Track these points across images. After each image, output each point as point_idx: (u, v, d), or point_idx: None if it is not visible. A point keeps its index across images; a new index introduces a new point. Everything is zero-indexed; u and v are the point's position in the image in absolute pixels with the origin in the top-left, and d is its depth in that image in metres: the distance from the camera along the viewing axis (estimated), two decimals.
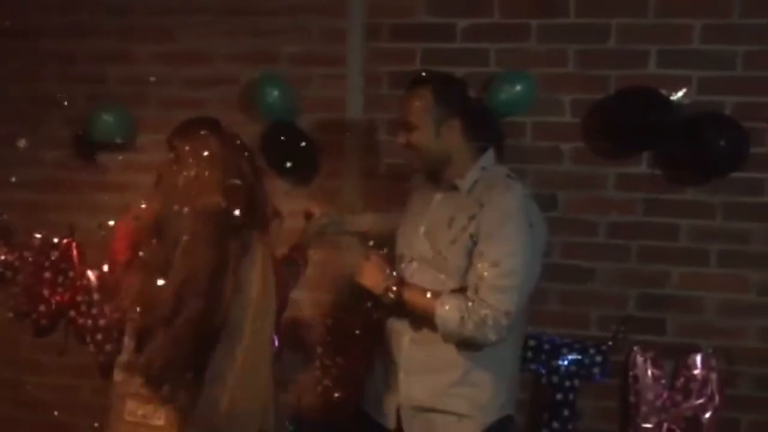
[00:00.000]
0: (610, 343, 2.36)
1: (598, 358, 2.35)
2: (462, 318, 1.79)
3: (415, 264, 1.96)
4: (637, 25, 2.34)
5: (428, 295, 1.86)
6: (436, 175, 1.99)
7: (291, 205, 2.35)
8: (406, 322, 1.95)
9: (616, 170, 2.39)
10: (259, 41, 2.59)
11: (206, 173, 1.55)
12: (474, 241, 1.85)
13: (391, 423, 1.98)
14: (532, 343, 2.39)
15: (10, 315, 2.75)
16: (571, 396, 2.36)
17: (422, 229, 1.97)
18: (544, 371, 2.39)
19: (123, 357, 1.67)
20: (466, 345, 1.86)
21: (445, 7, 2.46)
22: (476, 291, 1.80)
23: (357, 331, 2.48)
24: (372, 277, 1.94)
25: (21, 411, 2.86)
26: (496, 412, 1.93)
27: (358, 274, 1.98)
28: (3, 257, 2.75)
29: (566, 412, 2.36)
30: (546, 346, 2.40)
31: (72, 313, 2.70)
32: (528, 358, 2.39)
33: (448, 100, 1.91)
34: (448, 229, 1.90)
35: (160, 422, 1.64)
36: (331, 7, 2.52)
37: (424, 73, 1.98)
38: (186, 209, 1.52)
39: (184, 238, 1.50)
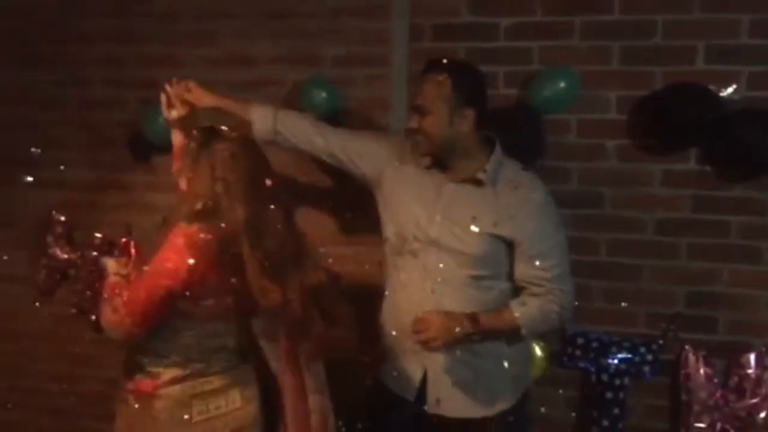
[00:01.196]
0: (661, 341, 2.35)
1: (649, 356, 2.34)
2: (544, 315, 1.93)
3: (433, 249, 1.94)
4: (684, 21, 2.31)
5: (500, 315, 1.91)
6: (440, 162, 1.97)
7: (334, 202, 2.41)
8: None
9: (663, 167, 2.37)
10: (302, 44, 2.63)
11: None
12: (506, 239, 1.90)
13: (411, 394, 1.99)
14: (580, 341, 2.39)
15: (72, 311, 2.84)
16: (621, 394, 2.36)
17: (438, 217, 1.94)
18: (593, 369, 2.39)
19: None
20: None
21: (488, 6, 2.46)
22: (540, 285, 1.91)
23: None
24: (444, 331, 1.86)
25: (79, 403, 2.96)
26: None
27: (426, 334, 1.87)
28: (66, 256, 2.85)
29: (616, 410, 2.35)
30: (594, 344, 2.39)
31: None
32: (576, 356, 2.39)
33: (467, 89, 1.89)
34: (472, 223, 1.90)
35: (237, 404, 1.71)
36: (374, 9, 2.54)
37: (444, 60, 1.93)
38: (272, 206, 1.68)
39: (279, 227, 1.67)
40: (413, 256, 1.96)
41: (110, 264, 1.79)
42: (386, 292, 2.08)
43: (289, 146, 2.12)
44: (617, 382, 2.36)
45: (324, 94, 2.53)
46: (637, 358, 2.35)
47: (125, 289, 1.69)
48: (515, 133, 2.30)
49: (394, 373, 2.02)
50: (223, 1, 2.67)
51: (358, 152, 2.08)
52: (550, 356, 2.44)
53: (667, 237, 2.39)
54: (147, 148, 2.77)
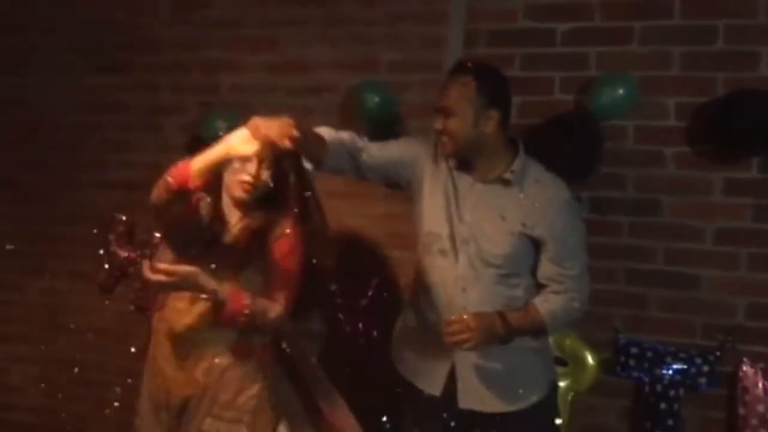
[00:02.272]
0: (719, 353, 2.30)
1: (705, 368, 2.29)
2: (566, 312, 1.98)
3: (462, 247, 1.97)
4: (747, 26, 2.27)
5: (527, 313, 1.94)
6: (466, 162, 2.00)
7: (385, 208, 2.44)
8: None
9: (724, 175, 2.33)
10: (359, 49, 2.68)
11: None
12: (533, 238, 1.94)
13: (437, 388, 2.02)
14: (634, 350, 2.36)
15: (131, 308, 2.94)
16: (675, 406, 2.31)
17: (467, 216, 1.97)
18: (647, 379, 2.36)
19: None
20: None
21: (544, 11, 2.47)
22: (561, 283, 1.96)
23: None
24: (483, 334, 1.87)
25: (138, 397, 3.06)
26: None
27: (460, 336, 1.86)
28: (126, 254, 2.96)
29: (670, 422, 2.31)
30: (649, 354, 2.36)
31: None
32: (630, 366, 2.36)
33: (491, 91, 1.93)
34: (500, 222, 1.94)
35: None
36: (430, 14, 2.58)
37: (469, 63, 1.98)
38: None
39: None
40: (443, 255, 1.99)
41: (209, 281, 1.81)
42: (415, 291, 2.13)
43: (342, 174, 2.14)
44: (672, 393, 2.31)
45: (377, 99, 2.57)
46: (693, 369, 2.31)
47: (269, 292, 1.88)
48: (572, 139, 2.31)
49: (420, 370, 2.06)
50: (284, 9, 2.75)
51: (400, 161, 2.11)
52: (602, 364, 2.41)
53: (726, 246, 2.34)
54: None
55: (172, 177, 1.86)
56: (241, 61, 2.84)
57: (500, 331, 1.89)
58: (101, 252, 2.99)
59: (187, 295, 1.88)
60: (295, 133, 1.79)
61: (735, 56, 2.28)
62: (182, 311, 1.91)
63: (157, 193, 1.88)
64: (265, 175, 1.86)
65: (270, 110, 2.69)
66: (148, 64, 2.95)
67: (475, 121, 1.92)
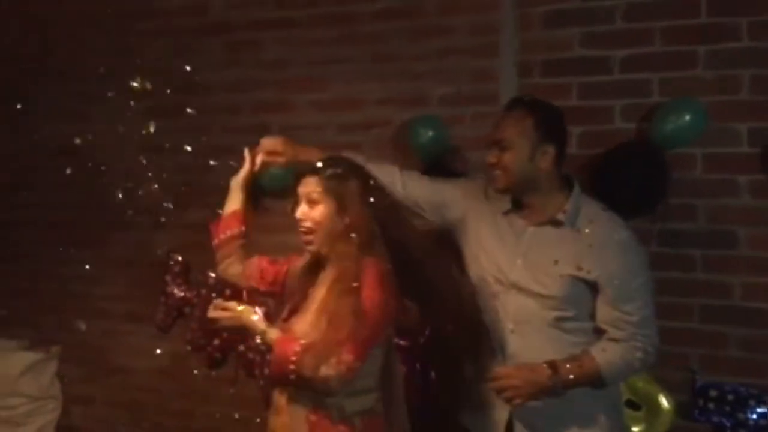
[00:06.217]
0: None
1: None
2: (627, 362, 1.85)
3: (513, 291, 1.90)
4: None
5: (581, 363, 1.83)
6: (517, 201, 1.94)
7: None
8: None
9: None
10: (409, 85, 2.65)
11: None
12: (588, 281, 1.84)
13: None
14: (713, 393, 2.21)
15: (188, 348, 2.93)
16: None
17: (519, 261, 1.91)
18: (728, 424, 2.21)
19: None
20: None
21: (601, 39, 2.39)
22: (622, 329, 1.84)
23: None
24: (531, 388, 1.81)
25: None
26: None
27: (508, 393, 1.83)
28: (182, 294, 2.96)
29: None
30: (730, 397, 2.21)
31: (241, 347, 2.83)
32: (709, 410, 2.21)
33: (548, 126, 1.89)
34: (553, 267, 1.86)
35: None
36: (482, 47, 2.53)
37: (526, 97, 1.97)
38: None
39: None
40: (494, 298, 1.94)
41: (257, 322, 1.76)
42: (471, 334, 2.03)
43: None
44: None
45: (431, 133, 2.52)
46: None
47: (331, 341, 1.65)
48: (635, 169, 2.21)
49: (479, 417, 1.99)
50: (332, 48, 2.75)
51: (442, 202, 2.07)
52: (678, 408, 2.26)
53: None
54: (258, 191, 2.86)
55: (213, 237, 1.98)
56: (290, 101, 2.84)
57: (549, 384, 1.80)
58: (159, 292, 3.01)
59: None
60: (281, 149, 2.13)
61: None
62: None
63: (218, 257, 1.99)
64: (318, 212, 1.77)
65: (319, 148, 2.77)
66: (200, 107, 2.97)
67: (530, 156, 1.87)
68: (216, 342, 2.86)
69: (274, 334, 1.73)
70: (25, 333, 3.30)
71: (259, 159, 2.16)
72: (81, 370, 3.26)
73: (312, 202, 1.78)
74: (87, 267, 3.17)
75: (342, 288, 1.68)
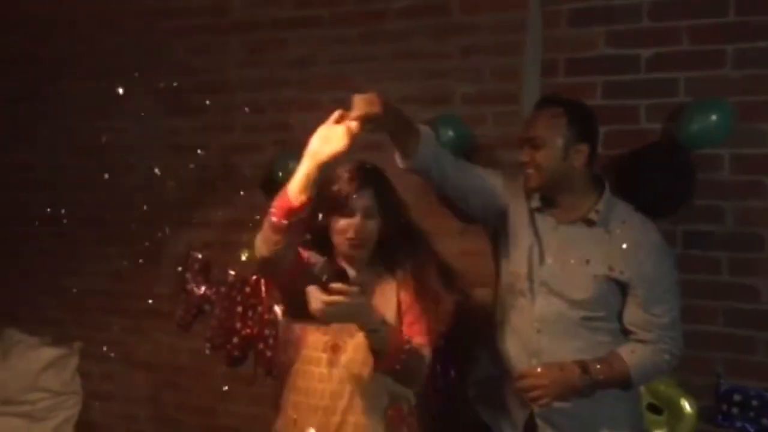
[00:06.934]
0: None
1: None
2: (655, 364, 1.84)
3: (543, 290, 1.89)
4: None
5: (611, 364, 1.82)
6: (549, 200, 1.92)
7: (459, 245, 2.38)
8: None
9: None
10: (432, 83, 2.64)
11: None
12: (620, 282, 1.83)
13: None
14: (737, 398, 2.18)
15: (207, 347, 2.95)
16: None
17: (550, 260, 1.89)
18: (752, 429, 2.17)
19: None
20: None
21: (627, 37, 2.36)
22: (650, 331, 1.84)
23: None
24: (559, 388, 1.81)
25: None
26: None
27: (536, 393, 1.83)
28: (202, 292, 2.98)
29: None
30: (754, 402, 2.17)
31: (260, 345, 2.85)
32: (733, 415, 2.17)
33: (582, 124, 1.87)
34: (585, 266, 1.85)
35: None
36: (506, 45, 2.51)
37: (559, 96, 1.95)
38: None
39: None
40: (522, 295, 1.93)
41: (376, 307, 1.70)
42: (494, 331, 2.05)
43: (428, 176, 1.99)
44: None
45: (452, 132, 2.51)
46: None
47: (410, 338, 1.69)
48: (660, 170, 2.18)
49: (500, 414, 1.99)
50: (355, 46, 2.75)
51: (492, 190, 2.04)
52: (701, 413, 2.23)
53: None
54: (279, 189, 2.85)
55: (274, 215, 1.61)
56: (313, 99, 2.84)
57: (579, 384, 1.79)
58: (180, 290, 3.04)
59: (320, 355, 1.72)
60: (377, 101, 1.69)
61: None
62: (324, 375, 1.72)
63: (264, 238, 1.63)
64: (371, 226, 1.76)
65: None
66: (224, 105, 2.99)
67: (564, 154, 1.85)
68: (235, 340, 2.88)
69: (385, 324, 1.63)
70: (48, 329, 3.33)
71: (355, 126, 1.65)
72: (102, 367, 3.29)
73: (370, 216, 1.77)
74: (112, 264, 3.20)
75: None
